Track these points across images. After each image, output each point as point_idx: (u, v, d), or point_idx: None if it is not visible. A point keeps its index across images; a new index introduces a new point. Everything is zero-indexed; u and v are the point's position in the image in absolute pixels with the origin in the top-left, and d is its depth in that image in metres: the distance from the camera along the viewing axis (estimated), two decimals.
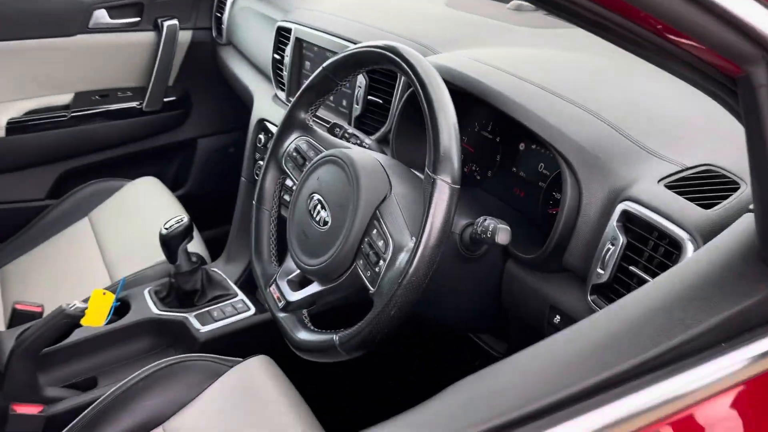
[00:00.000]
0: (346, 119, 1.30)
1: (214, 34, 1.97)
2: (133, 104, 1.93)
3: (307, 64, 1.42)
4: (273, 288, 0.97)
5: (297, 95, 1.03)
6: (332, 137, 1.01)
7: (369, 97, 1.24)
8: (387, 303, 0.76)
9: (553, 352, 0.54)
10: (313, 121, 1.04)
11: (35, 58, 1.79)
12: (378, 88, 1.23)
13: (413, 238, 0.80)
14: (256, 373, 1.16)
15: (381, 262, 0.80)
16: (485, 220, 0.82)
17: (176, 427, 1.05)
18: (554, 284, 0.87)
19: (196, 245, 1.42)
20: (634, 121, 0.86)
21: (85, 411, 1.02)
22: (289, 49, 1.44)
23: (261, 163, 1.47)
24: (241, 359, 1.20)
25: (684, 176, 0.79)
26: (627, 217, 0.78)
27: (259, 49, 1.65)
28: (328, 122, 1.22)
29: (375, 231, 0.83)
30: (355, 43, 1.29)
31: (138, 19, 1.87)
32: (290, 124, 1.04)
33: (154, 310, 1.34)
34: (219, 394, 1.13)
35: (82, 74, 1.88)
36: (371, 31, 1.31)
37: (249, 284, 1.50)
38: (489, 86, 0.93)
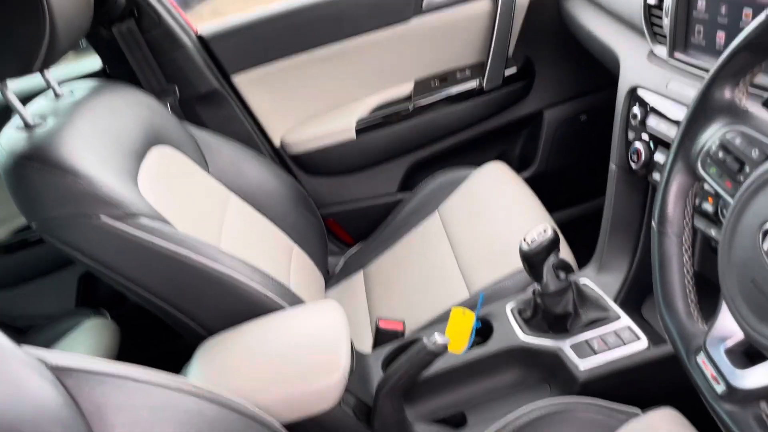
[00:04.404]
0: None
1: None
2: (473, 84, 1.76)
3: (700, 4, 1.02)
4: (703, 360, 0.66)
5: (718, 64, 0.68)
6: None
7: None
8: None
9: None
10: (747, 99, 0.68)
11: (375, 50, 1.74)
12: None
13: None
14: None
15: None
16: None
17: None
18: None
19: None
20: None
21: None
22: None
23: (637, 145, 1.13)
24: (638, 410, 0.95)
25: None
26: None
27: None
28: (762, 90, 0.82)
29: None
30: None
31: None
32: (708, 107, 0.70)
33: (521, 336, 1.13)
34: None
35: (420, 59, 1.78)
36: None
37: (631, 302, 1.19)
38: None
